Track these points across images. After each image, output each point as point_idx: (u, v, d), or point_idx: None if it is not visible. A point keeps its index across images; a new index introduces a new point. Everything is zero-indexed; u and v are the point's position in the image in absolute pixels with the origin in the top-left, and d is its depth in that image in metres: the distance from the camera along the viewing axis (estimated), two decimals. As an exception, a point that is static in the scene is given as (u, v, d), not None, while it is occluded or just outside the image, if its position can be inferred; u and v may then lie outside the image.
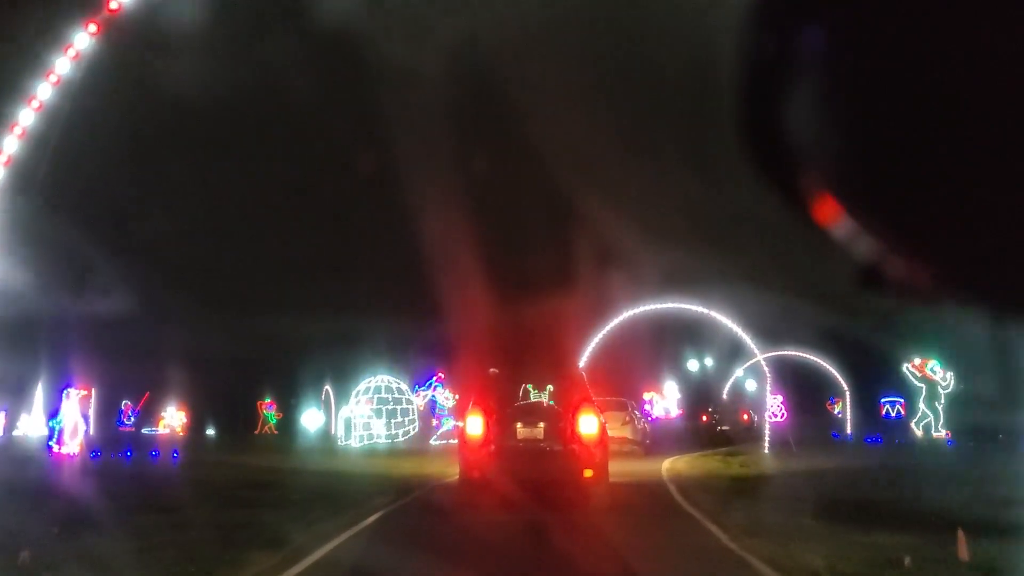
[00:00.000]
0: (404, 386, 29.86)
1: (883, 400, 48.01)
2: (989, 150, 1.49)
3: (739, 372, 43.27)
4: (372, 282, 35.78)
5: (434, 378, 30.40)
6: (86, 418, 44.57)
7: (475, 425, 10.28)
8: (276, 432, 46.66)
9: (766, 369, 24.23)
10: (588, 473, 10.00)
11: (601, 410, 12.04)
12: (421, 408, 29.72)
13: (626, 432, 21.03)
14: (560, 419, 10.46)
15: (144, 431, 50.08)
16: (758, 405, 31.60)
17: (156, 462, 19.79)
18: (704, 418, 39.91)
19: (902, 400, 47.52)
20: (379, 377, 29.34)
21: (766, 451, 22.54)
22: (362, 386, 29.17)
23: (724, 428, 34.17)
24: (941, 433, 31.84)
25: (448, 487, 12.72)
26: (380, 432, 28.77)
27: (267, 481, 12.83)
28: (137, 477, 13.95)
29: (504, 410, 10.63)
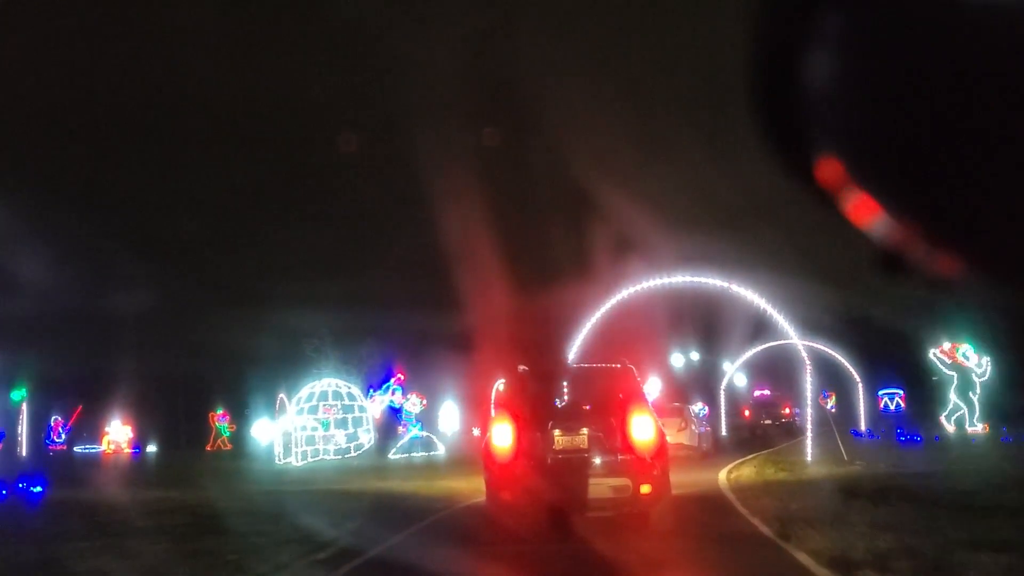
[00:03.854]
0: (355, 390, 23.83)
1: (881, 392, 43.20)
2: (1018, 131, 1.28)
3: (729, 366, 38.29)
4: (379, 277, 33.47)
5: (392, 379, 24.40)
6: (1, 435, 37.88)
7: (503, 435, 8.24)
8: (230, 446, 40.74)
9: (805, 356, 18.79)
10: (646, 489, 7.91)
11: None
12: (378, 418, 23.74)
13: (682, 438, 18.98)
14: (608, 423, 8.28)
15: (78, 449, 43.42)
16: (799, 400, 27.22)
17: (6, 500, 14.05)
18: (746, 413, 38.88)
19: (901, 392, 42.75)
20: (325, 381, 23.33)
21: (808, 455, 17.10)
22: (304, 392, 23.09)
23: (767, 422, 33.54)
24: (977, 427, 26.65)
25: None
26: (328, 447, 22.78)
27: (69, 557, 6.91)
28: None
29: (538, 415, 8.44)
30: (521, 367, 9.74)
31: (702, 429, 21.89)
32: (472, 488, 13.31)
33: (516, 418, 8.31)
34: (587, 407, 8.78)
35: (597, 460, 8.05)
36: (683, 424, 19.77)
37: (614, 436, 8.13)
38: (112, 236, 31.19)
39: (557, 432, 8.22)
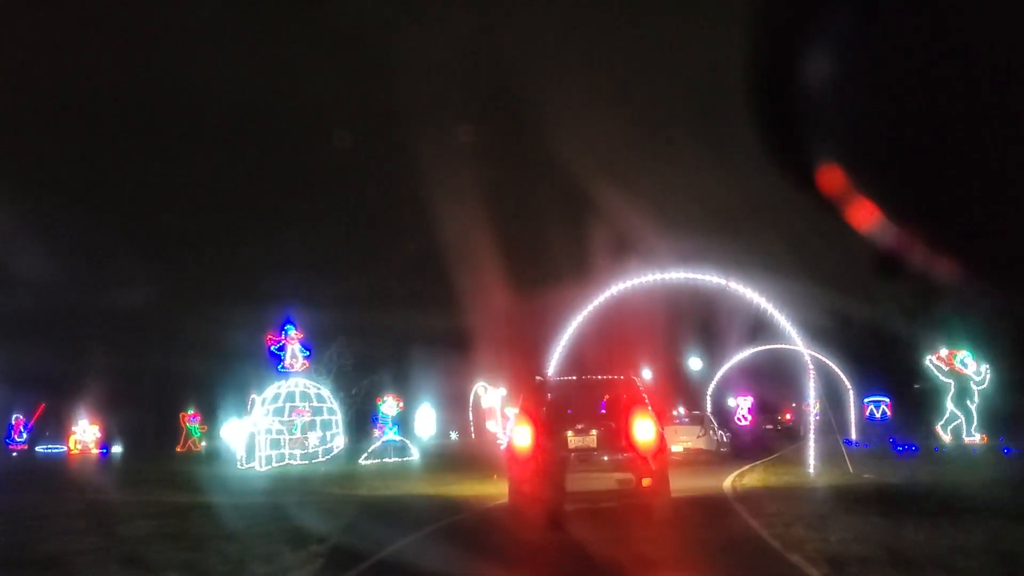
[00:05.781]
0: (325, 392, 22.12)
1: (866, 400, 41.96)
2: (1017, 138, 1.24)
3: (718, 370, 36.91)
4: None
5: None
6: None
7: (523, 436, 9.12)
8: (200, 448, 38.78)
9: (809, 363, 17.34)
10: (646, 482, 8.77)
11: (677, 424, 12.07)
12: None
13: (701, 444, 21.23)
14: (614, 425, 9.16)
15: (40, 449, 41.20)
16: (802, 405, 26.48)
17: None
18: (749, 417, 40.26)
19: (887, 400, 41.52)
20: (292, 381, 21.62)
21: (811, 465, 15.67)
22: (269, 393, 21.36)
23: (768, 427, 35.31)
24: (975, 437, 25.33)
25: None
26: (295, 451, 21.06)
27: None
28: None
29: (553, 419, 9.39)
30: (537, 376, 10.88)
31: (721, 434, 23.72)
32: (443, 492, 11.79)
33: (534, 422, 9.22)
34: (596, 412, 9.54)
35: (605, 457, 8.94)
36: (703, 431, 21.81)
37: (619, 437, 9.03)
38: (98, 231, 29.83)
39: (570, 433, 9.11)
